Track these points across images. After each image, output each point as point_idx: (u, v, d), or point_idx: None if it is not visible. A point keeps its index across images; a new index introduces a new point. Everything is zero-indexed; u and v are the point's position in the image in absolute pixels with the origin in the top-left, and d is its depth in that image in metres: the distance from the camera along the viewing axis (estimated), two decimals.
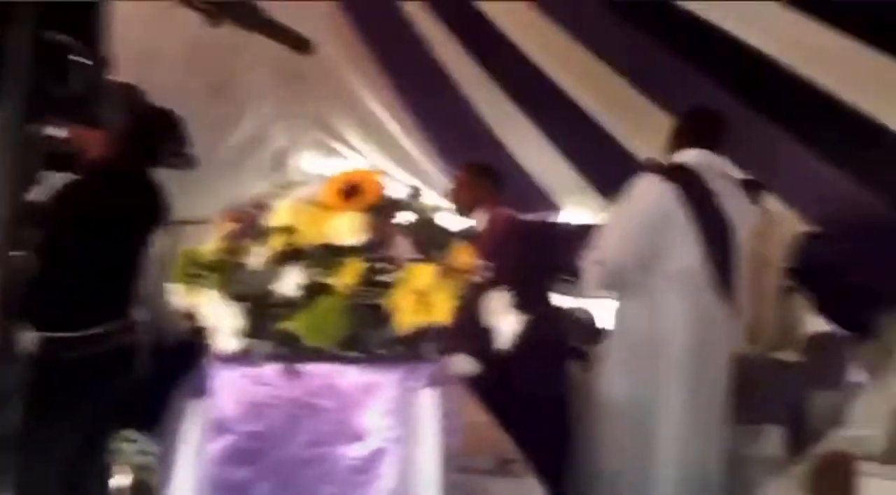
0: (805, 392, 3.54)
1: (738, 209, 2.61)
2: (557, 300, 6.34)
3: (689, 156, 2.62)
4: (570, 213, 6.03)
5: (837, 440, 2.39)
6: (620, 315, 2.87)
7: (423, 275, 1.13)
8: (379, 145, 5.49)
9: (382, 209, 1.21)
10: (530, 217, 6.20)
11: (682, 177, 2.56)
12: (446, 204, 3.45)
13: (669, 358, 2.57)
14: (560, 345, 3.19)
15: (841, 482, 2.12)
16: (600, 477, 2.69)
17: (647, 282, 2.66)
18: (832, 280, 4.57)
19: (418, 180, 5.63)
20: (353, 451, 1.16)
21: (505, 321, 1.20)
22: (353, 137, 5.46)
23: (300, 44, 2.65)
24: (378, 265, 1.17)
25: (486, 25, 4.15)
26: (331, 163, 5.49)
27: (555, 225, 5.87)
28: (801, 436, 2.95)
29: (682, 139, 2.67)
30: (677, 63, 3.63)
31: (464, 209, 3.30)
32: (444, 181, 4.79)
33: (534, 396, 2.55)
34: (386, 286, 1.17)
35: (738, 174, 2.88)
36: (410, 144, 5.45)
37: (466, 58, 4.63)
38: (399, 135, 5.40)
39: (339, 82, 5.03)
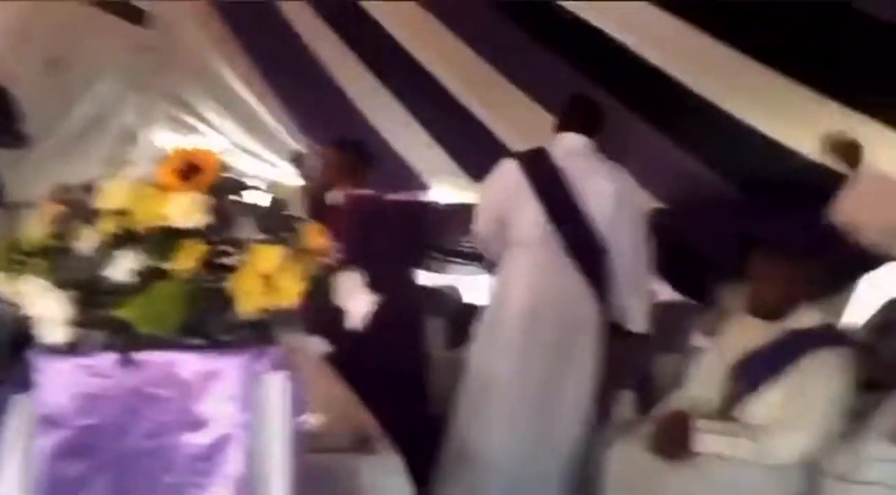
0: (652, 357, 3.81)
1: (594, 186, 2.73)
2: (425, 278, 6.45)
3: (556, 140, 2.83)
4: (440, 193, 6.12)
5: (677, 400, 2.56)
6: (490, 289, 3.04)
7: (269, 257, 1.10)
8: (239, 122, 5.31)
9: (224, 189, 1.17)
10: (400, 196, 6.26)
11: (533, 158, 2.78)
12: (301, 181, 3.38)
13: (511, 323, 2.69)
14: (416, 323, 3.21)
15: (679, 438, 2.30)
16: (466, 449, 2.78)
17: (504, 254, 2.86)
18: (677, 252, 4.92)
19: (280, 158, 5.52)
20: (196, 439, 1.13)
21: (355, 301, 1.20)
22: (212, 114, 5.24)
23: (133, 15, 2.50)
24: (220, 247, 1.14)
25: (355, 9, 4.10)
26: (186, 140, 5.24)
27: (423, 204, 5.94)
28: (648, 399, 3.13)
29: (558, 123, 2.87)
30: (541, 53, 3.78)
31: (326, 186, 3.25)
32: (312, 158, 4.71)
33: (389, 375, 2.57)
34: (229, 269, 1.14)
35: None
36: (273, 122, 5.32)
37: (335, 40, 4.57)
38: (261, 113, 5.25)
39: (196, 58, 4.80)
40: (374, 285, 1.22)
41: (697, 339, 3.81)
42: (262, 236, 1.18)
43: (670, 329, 4.26)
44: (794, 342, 2.30)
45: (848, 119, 3.01)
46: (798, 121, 3.33)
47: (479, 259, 3.91)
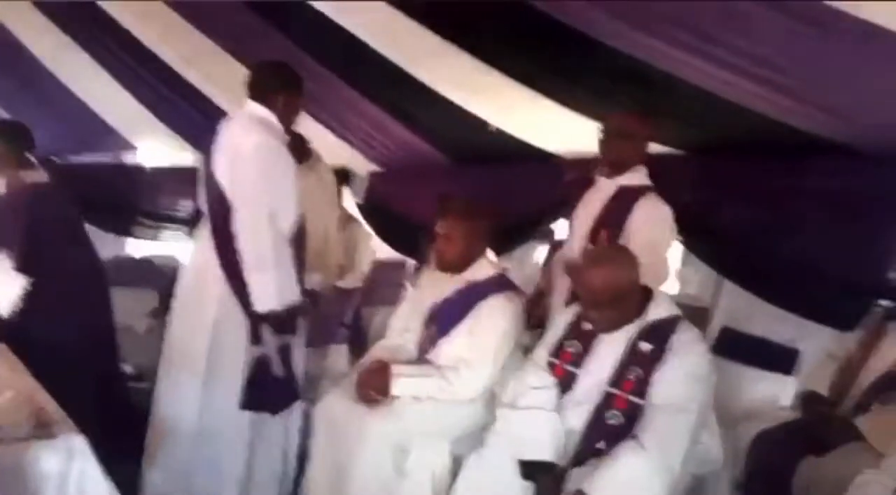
0: (364, 312, 4.04)
1: (223, 151, 2.55)
2: (134, 246, 6.07)
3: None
4: (150, 155, 5.78)
5: (379, 349, 2.77)
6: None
7: None
8: None
9: None
10: (101, 158, 5.79)
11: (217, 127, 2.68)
12: None
13: (187, 293, 2.68)
14: (94, 300, 3.00)
15: (378, 385, 2.50)
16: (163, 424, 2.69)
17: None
18: (391, 212, 5.21)
19: None
20: None
21: (3, 283, 1.14)
22: None
23: None
24: None
25: None
26: None
27: (118, 168, 5.56)
28: (361, 351, 3.29)
29: (247, 91, 2.66)
30: (259, 24, 3.75)
31: None
32: None
33: (65, 353, 2.40)
34: None
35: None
36: None
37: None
38: None
39: None
40: (21, 268, 1.16)
41: (407, 293, 4.12)
42: None
43: (387, 284, 4.55)
44: (472, 291, 2.60)
45: (536, 101, 3.46)
46: (493, 101, 3.73)
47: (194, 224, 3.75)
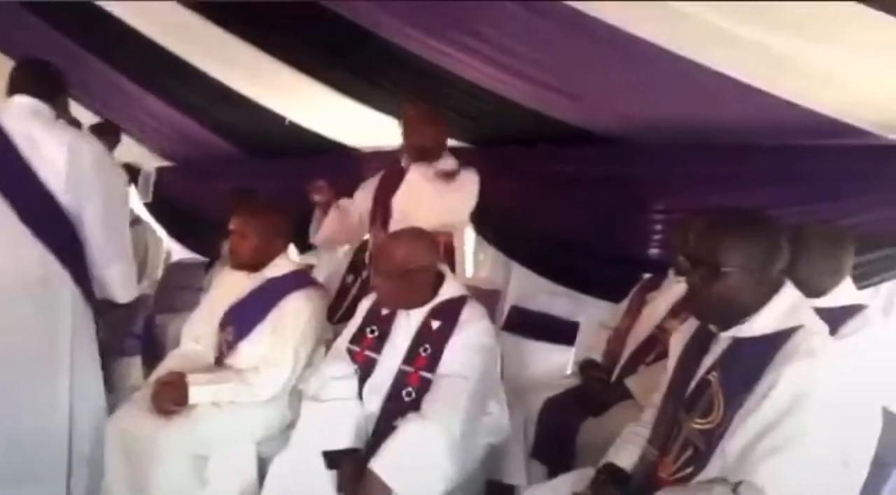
0: (157, 319, 3.82)
1: (45, 151, 2.43)
2: None
3: (7, 103, 2.50)
4: None
5: (173, 358, 2.64)
6: None
7: None
8: None
9: None
10: None
11: None
12: None
13: None
14: None
15: (174, 395, 2.38)
16: None
17: None
18: (183, 208, 4.98)
19: None
20: None
21: None
22: None
23: None
24: None
25: None
26: None
27: None
28: (156, 362, 3.12)
29: (9, 86, 2.53)
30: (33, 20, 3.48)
31: None
32: None
33: None
34: None
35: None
36: None
37: None
38: None
39: None
40: None
41: (201, 296, 3.96)
42: None
43: (183, 288, 4.33)
44: (271, 289, 2.56)
45: (330, 97, 3.48)
46: (289, 96, 3.69)
47: None
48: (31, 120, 2.44)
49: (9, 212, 2.38)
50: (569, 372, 2.96)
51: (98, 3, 3.33)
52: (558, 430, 2.46)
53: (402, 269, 2.19)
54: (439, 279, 2.30)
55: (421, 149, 2.82)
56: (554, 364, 3.03)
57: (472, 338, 2.19)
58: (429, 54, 2.85)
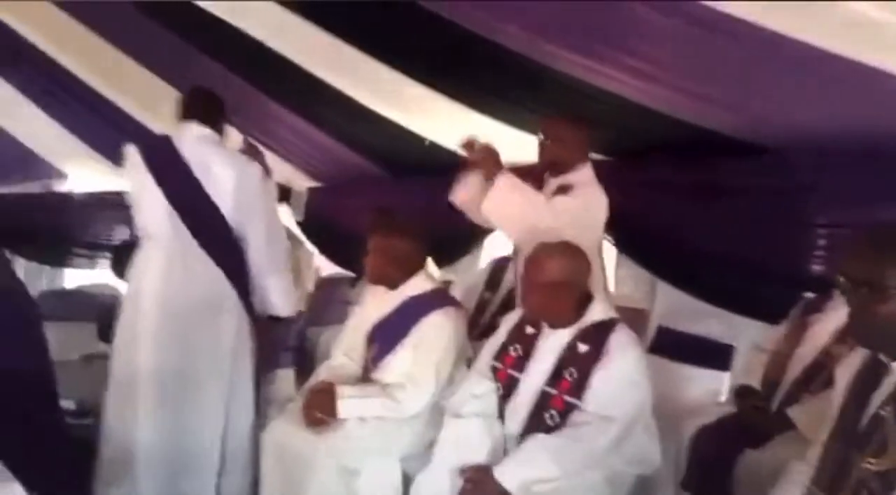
0: (307, 334, 4.01)
1: (216, 174, 2.67)
2: (71, 277, 5.91)
3: (179, 128, 2.77)
4: (77, 180, 5.65)
5: (324, 371, 2.75)
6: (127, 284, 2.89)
7: None
8: None
9: None
10: (31, 187, 5.63)
11: (156, 146, 2.72)
12: None
13: (146, 319, 2.65)
14: (25, 354, 2.88)
15: (325, 408, 2.49)
16: (119, 449, 2.67)
17: (139, 246, 2.78)
18: (332, 227, 5.21)
19: None
20: None
21: None
22: None
23: None
24: None
25: None
26: None
27: (49, 197, 5.41)
28: (308, 374, 3.28)
29: (180, 113, 2.81)
30: (185, 47, 3.76)
31: None
32: None
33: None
34: None
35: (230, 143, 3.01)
36: None
37: None
38: None
39: None
40: None
41: (352, 310, 4.11)
42: None
43: (332, 302, 4.53)
44: (411, 307, 2.61)
45: (468, 115, 3.52)
46: (427, 116, 3.78)
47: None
48: (202, 145, 2.71)
49: (184, 233, 2.63)
50: (722, 398, 2.79)
51: (250, 33, 3.54)
52: (713, 461, 2.32)
53: (551, 281, 2.17)
54: (587, 300, 2.25)
55: (552, 166, 2.76)
56: (705, 389, 2.88)
57: (622, 371, 2.12)
58: (568, 68, 2.81)
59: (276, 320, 3.00)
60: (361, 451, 2.42)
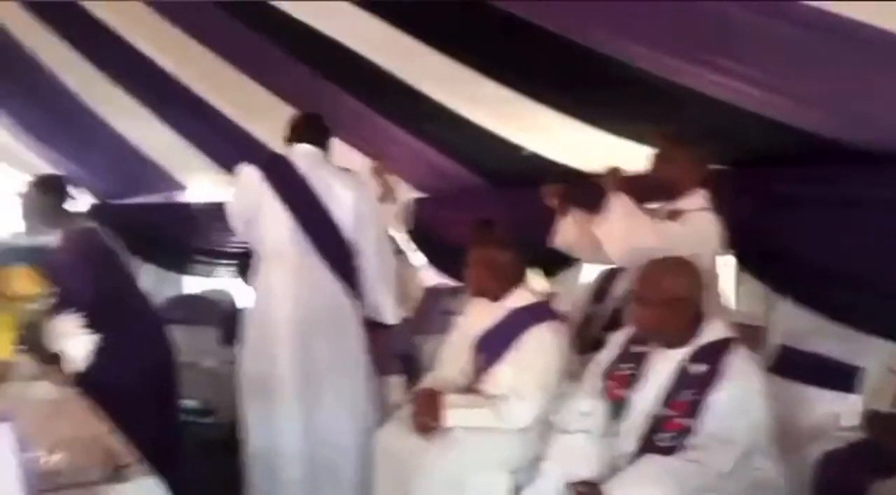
0: (415, 342, 4.07)
1: (336, 193, 2.86)
2: (191, 283, 6.24)
3: (293, 150, 2.95)
4: (199, 192, 5.96)
5: (430, 379, 2.79)
6: (251, 295, 3.07)
7: None
8: None
9: None
10: (153, 199, 6.00)
11: (275, 166, 2.87)
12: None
13: (277, 330, 2.80)
14: (152, 353, 3.07)
15: (432, 416, 2.52)
16: (260, 454, 2.87)
17: (260, 260, 2.94)
18: (437, 237, 5.27)
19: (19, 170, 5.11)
20: None
21: (73, 344, 1.21)
22: None
23: None
24: None
25: (79, 13, 3.87)
26: None
27: (172, 207, 5.73)
28: (416, 381, 3.33)
29: (290, 136, 2.99)
30: (298, 66, 3.89)
31: (39, 225, 3.02)
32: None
33: (125, 400, 2.46)
34: None
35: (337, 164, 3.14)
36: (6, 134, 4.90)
37: (65, 49, 4.28)
38: None
39: None
40: (93, 325, 1.23)
41: (456, 320, 4.14)
42: None
43: (437, 311, 4.58)
44: (514, 319, 2.61)
45: (568, 124, 3.50)
46: (527, 126, 3.77)
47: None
48: (320, 167, 2.89)
49: (308, 249, 2.79)
50: (850, 422, 2.63)
51: (360, 52, 3.65)
52: (842, 489, 2.19)
53: (664, 297, 2.12)
54: (701, 318, 2.18)
55: (663, 186, 2.69)
56: (830, 412, 2.71)
57: (741, 393, 2.05)
58: (673, 76, 2.73)
59: (383, 327, 3.12)
60: (470, 461, 2.43)
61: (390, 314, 3.00)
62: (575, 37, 2.79)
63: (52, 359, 1.20)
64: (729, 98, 2.69)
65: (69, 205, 3.09)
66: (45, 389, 1.67)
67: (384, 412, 3.26)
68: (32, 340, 1.15)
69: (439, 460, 2.41)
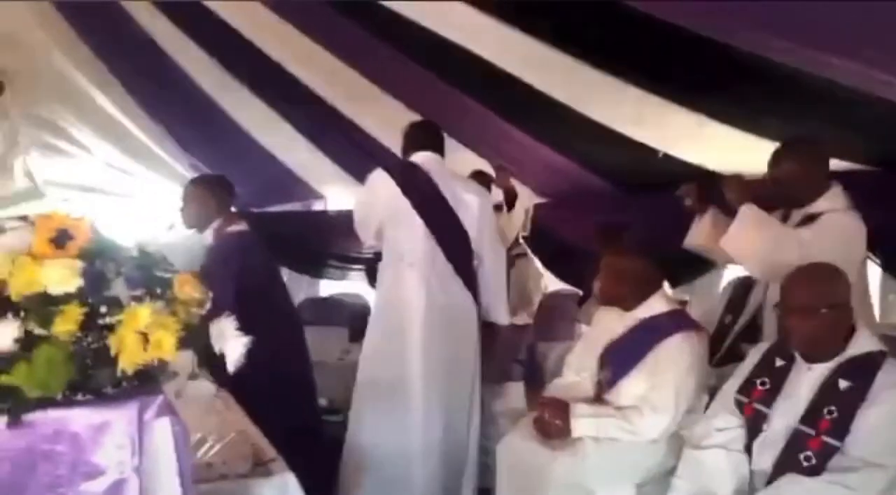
0: (537, 348, 4.05)
1: (462, 199, 2.95)
2: (326, 287, 6.51)
3: (417, 157, 3.01)
4: (333, 200, 6.22)
5: (555, 388, 2.76)
6: (375, 298, 3.18)
7: (141, 316, 1.19)
8: (114, 143, 5.21)
9: (96, 252, 1.24)
10: (291, 207, 6.32)
11: (406, 172, 2.96)
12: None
13: (408, 332, 2.88)
14: (294, 356, 3.20)
15: (558, 425, 2.50)
16: (364, 454, 2.94)
17: (390, 264, 3.02)
18: (556, 241, 5.23)
19: (160, 175, 5.48)
20: (93, 487, 1.21)
21: (231, 346, 1.30)
22: (84, 136, 5.12)
23: None
24: (98, 308, 1.22)
25: (220, 26, 4.12)
26: (60, 164, 5.12)
27: (309, 215, 5.99)
28: (537, 388, 3.33)
29: (410, 144, 3.09)
30: (422, 72, 3.96)
31: (195, 226, 3.14)
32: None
33: (267, 399, 2.55)
34: (109, 327, 1.22)
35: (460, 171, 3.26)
36: (149, 140, 5.27)
37: (204, 58, 4.57)
38: (137, 133, 5.18)
39: (65, 81, 4.68)
40: (243, 327, 1.32)
41: (580, 328, 4.10)
42: (136, 291, 1.26)
43: (559, 317, 4.55)
44: (647, 329, 2.54)
45: (703, 124, 3.38)
46: (650, 123, 3.67)
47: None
48: (446, 174, 2.96)
49: (438, 253, 2.88)
50: None
51: (484, 56, 3.67)
52: None
53: (814, 306, 1.99)
54: (851, 331, 2.04)
55: (777, 183, 2.50)
56: None
57: (894, 413, 1.89)
58: (825, 71, 2.56)
59: (506, 330, 3.17)
60: (596, 472, 2.39)
61: (503, 315, 3.09)
62: (719, 35, 2.68)
63: (212, 360, 1.30)
64: (881, 92, 2.50)
65: (230, 206, 3.20)
66: (200, 387, 1.81)
67: (506, 418, 3.29)
68: (196, 342, 1.25)
69: (566, 470, 2.38)
